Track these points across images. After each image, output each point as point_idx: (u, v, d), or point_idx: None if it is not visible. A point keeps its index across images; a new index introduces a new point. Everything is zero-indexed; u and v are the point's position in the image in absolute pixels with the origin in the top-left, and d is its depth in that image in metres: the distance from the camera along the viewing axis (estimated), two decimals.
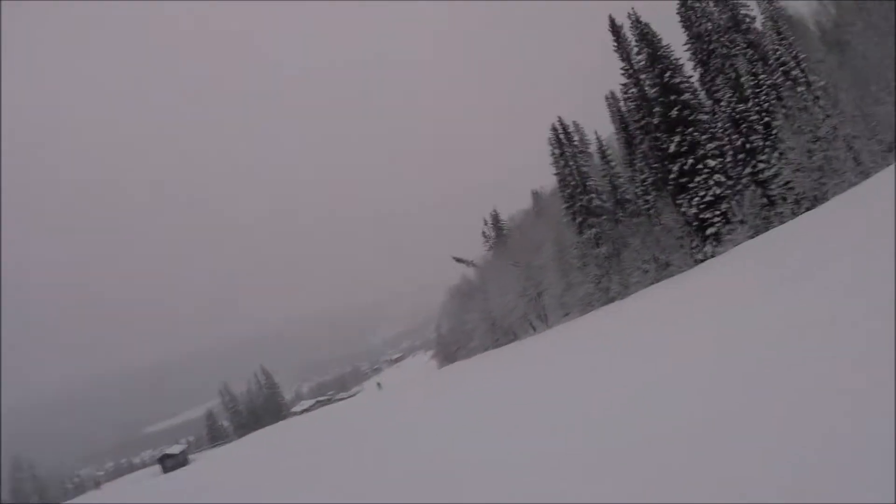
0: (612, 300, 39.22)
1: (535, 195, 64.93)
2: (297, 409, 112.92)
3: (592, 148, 48.90)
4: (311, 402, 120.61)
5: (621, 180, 44.07)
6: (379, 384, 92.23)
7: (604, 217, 43.10)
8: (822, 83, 32.51)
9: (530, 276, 52.69)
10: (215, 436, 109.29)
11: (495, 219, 66.68)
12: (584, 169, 44.96)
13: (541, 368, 22.20)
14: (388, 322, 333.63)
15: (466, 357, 59.04)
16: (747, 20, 37.14)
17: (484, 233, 67.18)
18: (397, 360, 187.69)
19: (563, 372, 18.57)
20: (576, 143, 45.87)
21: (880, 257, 10.28)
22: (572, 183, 44.40)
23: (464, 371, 40.02)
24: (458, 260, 69.98)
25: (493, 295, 58.08)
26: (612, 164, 45.01)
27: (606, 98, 47.40)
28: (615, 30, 39.92)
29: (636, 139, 40.74)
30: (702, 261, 34.43)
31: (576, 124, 49.00)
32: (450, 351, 70.35)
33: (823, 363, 6.90)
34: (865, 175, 28.15)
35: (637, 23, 38.90)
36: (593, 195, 43.82)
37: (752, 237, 31.47)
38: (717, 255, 33.29)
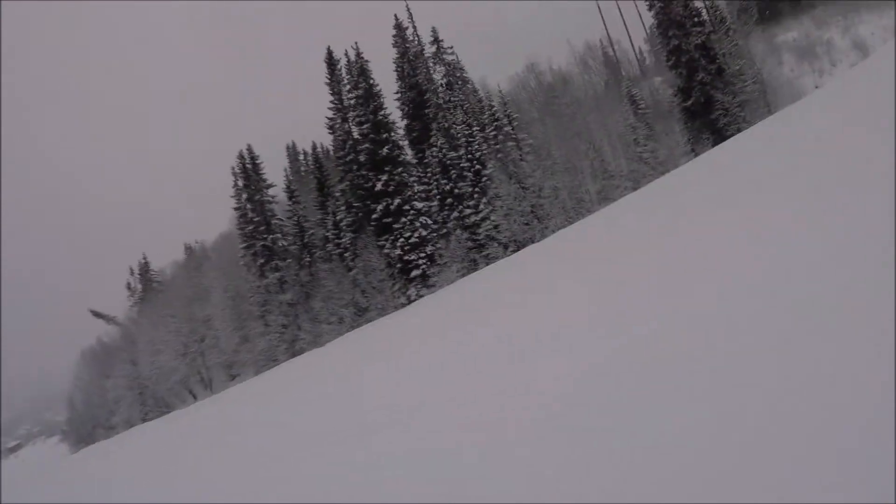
0: (300, 352, 33.31)
1: (189, 249, 56.25)
2: None
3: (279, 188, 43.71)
4: None
5: (309, 223, 39.44)
6: None
7: (289, 260, 37.62)
8: (530, 141, 35.84)
9: (194, 330, 44.20)
10: None
11: (144, 268, 56.56)
12: (270, 206, 39.14)
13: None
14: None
15: (107, 437, 46.70)
16: (462, 80, 39.23)
17: (129, 284, 56.44)
18: (14, 450, 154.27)
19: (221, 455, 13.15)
20: (263, 176, 39.95)
21: (585, 289, 11.83)
22: (255, 220, 38.13)
23: (97, 458, 29.38)
24: (97, 315, 57.27)
25: (142, 356, 47.66)
26: (301, 205, 40.05)
27: (287, 148, 43.49)
28: (331, 62, 37.68)
29: (333, 179, 38.02)
30: (405, 304, 31.24)
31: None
32: (85, 430, 55.81)
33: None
34: (571, 221, 30.34)
35: (358, 57, 37.08)
36: (278, 235, 38.07)
37: (462, 276, 30.95)
38: (423, 296, 30.59)
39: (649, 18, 48.22)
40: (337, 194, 37.03)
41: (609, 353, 7.07)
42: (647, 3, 39.58)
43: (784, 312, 5.73)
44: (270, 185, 39.98)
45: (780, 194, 10.39)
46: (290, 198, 40.28)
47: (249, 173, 39.60)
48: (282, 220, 39.57)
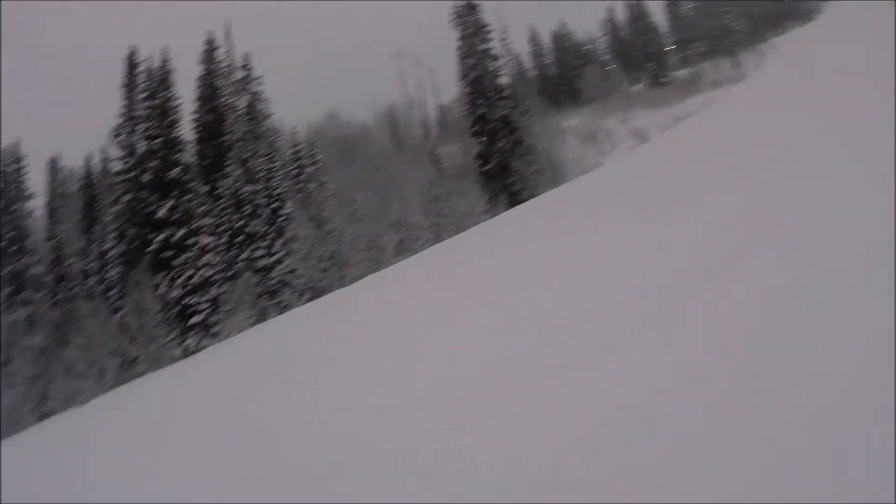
0: (46, 416, 27.15)
1: None
2: None
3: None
4: None
5: (69, 251, 34.71)
6: None
7: (43, 293, 32.31)
8: (332, 185, 36.05)
9: None
10: None
11: None
12: (26, 223, 33.76)
13: None
14: None
15: None
16: (264, 115, 36.10)
17: None
18: None
19: None
20: (24, 183, 34.67)
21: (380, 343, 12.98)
22: (7, 235, 32.46)
23: None
24: None
25: None
26: (64, 226, 35.14)
27: (50, 161, 38.20)
28: (132, 64, 32.82)
29: (107, 199, 33.16)
30: (182, 356, 27.62)
31: None
32: None
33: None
34: (371, 270, 29.05)
35: (163, 64, 32.75)
36: (34, 259, 32.76)
37: (251, 326, 27.93)
38: (204, 347, 27.53)
39: (448, 88, 53.97)
40: (108, 218, 32.34)
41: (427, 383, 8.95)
42: (462, 72, 42.66)
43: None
44: (31, 196, 34.37)
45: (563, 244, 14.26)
46: (50, 216, 35.11)
47: (8, 178, 33.75)
48: (35, 243, 34.17)
